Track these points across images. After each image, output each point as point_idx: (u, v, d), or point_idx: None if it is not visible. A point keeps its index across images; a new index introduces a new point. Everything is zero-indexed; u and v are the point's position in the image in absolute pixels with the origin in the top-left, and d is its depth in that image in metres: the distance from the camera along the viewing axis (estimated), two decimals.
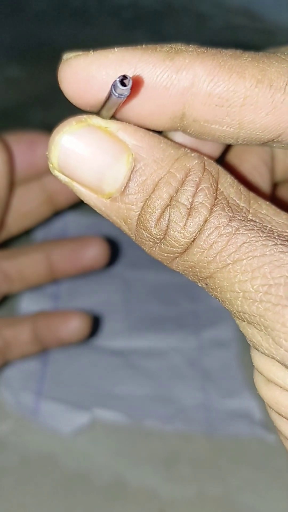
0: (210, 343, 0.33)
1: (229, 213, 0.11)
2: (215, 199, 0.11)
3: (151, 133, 0.12)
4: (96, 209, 0.12)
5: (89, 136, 0.11)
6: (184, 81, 0.11)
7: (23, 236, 0.41)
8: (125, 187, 0.12)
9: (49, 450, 0.29)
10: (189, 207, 0.11)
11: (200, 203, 0.11)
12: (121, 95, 0.11)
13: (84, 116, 0.12)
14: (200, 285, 0.13)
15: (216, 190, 0.12)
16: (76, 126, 0.12)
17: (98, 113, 0.12)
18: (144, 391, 0.31)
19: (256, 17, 0.73)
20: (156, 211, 0.11)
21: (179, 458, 0.29)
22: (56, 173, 0.12)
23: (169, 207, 0.11)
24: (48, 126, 0.60)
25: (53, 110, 0.56)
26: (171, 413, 0.30)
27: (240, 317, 0.12)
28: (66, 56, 0.13)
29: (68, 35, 0.69)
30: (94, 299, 0.36)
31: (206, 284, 0.12)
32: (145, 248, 0.12)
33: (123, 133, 0.12)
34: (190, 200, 0.11)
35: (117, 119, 0.12)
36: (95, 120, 0.12)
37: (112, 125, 0.12)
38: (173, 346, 0.33)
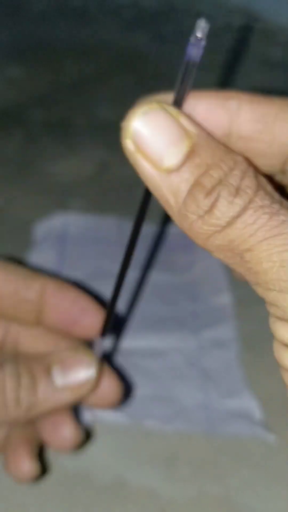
0: (210, 343, 0.33)
1: (270, 198, 0.13)
2: (258, 186, 0.14)
3: (208, 130, 0.14)
4: (149, 181, 0.14)
5: (161, 117, 0.14)
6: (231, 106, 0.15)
7: (24, 234, 0.41)
8: (183, 163, 0.13)
9: (49, 450, 0.29)
10: (237, 187, 0.13)
11: (247, 185, 0.13)
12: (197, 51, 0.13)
13: (161, 100, 0.15)
14: (230, 262, 0.14)
15: (258, 180, 0.14)
16: (153, 106, 0.14)
17: (174, 98, 0.15)
18: (144, 391, 0.31)
19: (256, 17, 0.73)
20: (208, 186, 0.13)
21: (179, 458, 0.29)
22: (127, 141, 0.15)
23: (219, 185, 0.13)
24: (48, 126, 0.60)
25: (53, 109, 0.56)
26: (171, 413, 0.30)
27: (272, 286, 0.14)
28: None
29: (68, 35, 0.69)
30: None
31: (241, 258, 0.14)
32: (187, 223, 0.14)
33: (188, 122, 0.14)
34: (238, 182, 0.13)
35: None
36: (169, 107, 0.14)
37: (181, 114, 0.14)
38: (173, 346, 0.33)
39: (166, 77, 0.68)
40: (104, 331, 0.20)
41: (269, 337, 0.38)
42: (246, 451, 0.29)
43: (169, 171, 0.14)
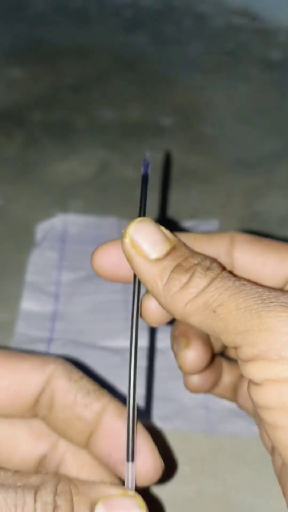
0: None
1: (233, 275, 0.18)
2: (224, 268, 0.19)
3: (181, 238, 0.20)
4: (141, 269, 0.18)
5: (150, 226, 0.19)
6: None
7: (24, 234, 0.41)
8: (166, 255, 0.18)
9: None
10: (208, 267, 0.18)
11: (215, 266, 0.18)
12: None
13: (148, 217, 0.20)
14: (203, 322, 0.17)
15: (222, 267, 0.18)
16: (144, 219, 0.19)
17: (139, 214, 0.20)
18: (144, 391, 0.31)
19: (256, 17, 0.73)
20: (186, 266, 0.18)
21: (179, 457, 0.29)
22: (126, 240, 0.19)
23: (194, 266, 0.18)
24: (48, 127, 0.60)
25: (54, 110, 0.56)
26: (171, 412, 0.30)
27: (241, 328, 0.17)
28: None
29: (68, 36, 0.69)
30: (94, 299, 0.36)
31: (214, 312, 0.17)
32: (169, 295, 0.18)
33: (168, 232, 0.19)
34: (209, 265, 0.18)
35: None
36: (153, 223, 0.20)
37: (163, 227, 0.19)
38: None
39: (165, 78, 0.68)
40: (131, 454, 0.19)
41: None
42: (246, 450, 0.29)
43: (157, 260, 0.18)
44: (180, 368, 0.22)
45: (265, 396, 0.16)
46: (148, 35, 0.70)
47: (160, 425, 0.29)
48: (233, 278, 0.17)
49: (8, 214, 0.43)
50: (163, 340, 0.34)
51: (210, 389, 0.26)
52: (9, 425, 0.21)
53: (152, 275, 0.18)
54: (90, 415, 0.20)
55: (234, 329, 0.16)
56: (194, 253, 0.19)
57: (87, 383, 0.21)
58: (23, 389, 0.20)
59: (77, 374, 0.21)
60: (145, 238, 0.18)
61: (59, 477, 0.18)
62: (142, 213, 0.20)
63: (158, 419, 0.29)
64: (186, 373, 0.22)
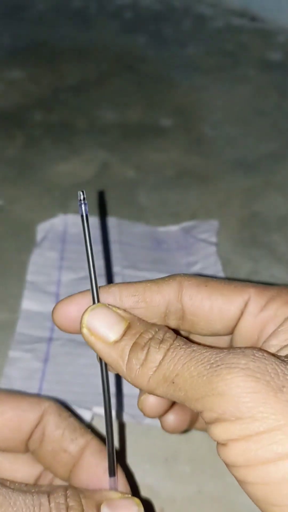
0: None
1: (184, 342, 0.19)
2: (176, 336, 0.19)
3: (131, 314, 0.20)
4: (103, 353, 0.19)
5: (103, 310, 0.20)
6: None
7: (25, 235, 0.42)
8: (123, 335, 0.19)
9: None
10: (161, 340, 0.19)
11: (168, 337, 0.19)
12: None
13: (100, 303, 0.20)
14: (169, 394, 0.18)
15: (174, 336, 0.19)
16: (97, 305, 0.20)
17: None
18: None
19: (255, 18, 0.74)
20: (142, 343, 0.19)
21: (178, 457, 0.29)
22: (83, 330, 0.20)
23: (149, 341, 0.19)
24: (48, 127, 0.60)
25: (54, 111, 0.56)
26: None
27: (199, 396, 0.18)
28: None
29: (68, 37, 0.70)
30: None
31: (173, 384, 0.18)
32: (132, 373, 0.19)
33: (122, 311, 0.20)
34: (162, 336, 0.19)
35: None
36: (108, 305, 0.20)
37: (117, 307, 0.20)
38: None
39: (165, 79, 0.69)
40: (112, 470, 0.22)
41: None
42: None
43: (115, 343, 0.19)
44: (141, 411, 0.22)
45: (230, 455, 0.17)
46: (147, 36, 0.70)
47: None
48: (184, 346, 0.18)
49: (9, 215, 0.43)
50: None
51: (190, 426, 0.25)
52: (11, 454, 0.24)
53: (114, 358, 0.19)
54: (75, 449, 0.23)
55: (192, 396, 0.17)
56: (148, 326, 0.20)
57: (74, 421, 0.23)
58: (22, 423, 0.22)
59: (66, 412, 0.24)
60: (100, 323, 0.19)
61: (66, 486, 0.21)
62: (94, 289, 0.20)
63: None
64: (148, 417, 0.23)
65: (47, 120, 0.54)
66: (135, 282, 0.21)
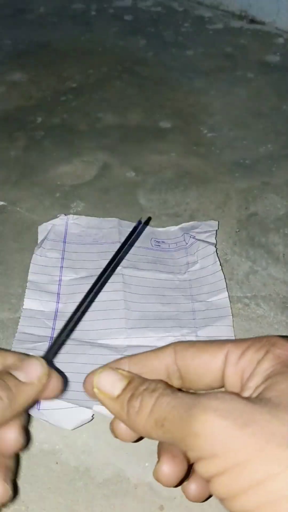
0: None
1: (172, 389, 0.21)
2: (166, 385, 0.22)
3: (133, 373, 0.24)
4: (110, 407, 0.23)
5: (109, 373, 0.23)
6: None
7: (27, 235, 0.42)
8: (124, 390, 0.22)
9: (51, 446, 0.30)
10: (153, 389, 0.22)
11: (159, 386, 0.22)
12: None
13: (105, 367, 0.24)
14: (162, 437, 0.21)
15: (167, 385, 0.22)
16: (104, 369, 0.24)
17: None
18: None
19: (254, 21, 0.74)
20: (137, 393, 0.22)
21: None
22: (95, 389, 0.23)
23: (143, 391, 0.22)
24: (50, 130, 0.61)
25: (55, 113, 0.57)
26: None
27: (184, 435, 0.20)
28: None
29: (69, 39, 0.70)
30: (94, 298, 0.36)
31: (163, 425, 0.20)
32: (131, 420, 0.21)
33: (124, 372, 0.24)
34: (154, 386, 0.22)
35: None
36: (113, 368, 0.24)
37: (120, 370, 0.24)
38: None
39: (165, 81, 0.69)
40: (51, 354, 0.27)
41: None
42: None
43: (118, 397, 0.22)
44: (158, 481, 0.24)
45: (215, 490, 0.19)
46: (147, 38, 0.70)
47: None
48: (172, 394, 0.21)
49: (11, 215, 0.44)
50: (163, 339, 0.34)
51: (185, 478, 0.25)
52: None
53: (117, 410, 0.22)
54: None
55: (178, 437, 0.20)
56: (143, 381, 0.23)
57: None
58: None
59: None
60: (106, 383, 0.23)
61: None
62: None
63: None
64: (164, 486, 0.24)
65: (48, 122, 0.55)
66: (139, 353, 0.25)
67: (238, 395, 0.20)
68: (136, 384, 0.22)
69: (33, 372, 0.24)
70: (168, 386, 0.22)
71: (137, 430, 0.22)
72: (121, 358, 0.25)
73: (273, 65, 0.65)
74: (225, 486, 0.18)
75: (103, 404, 0.23)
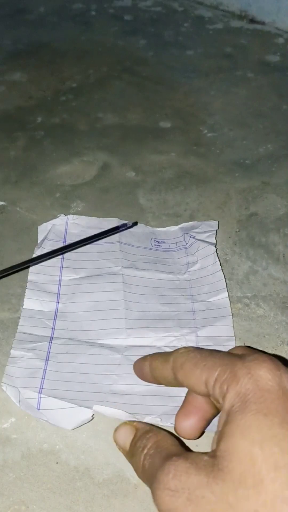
0: (208, 341, 0.34)
1: (154, 450, 0.25)
2: (148, 447, 0.25)
3: (140, 423, 0.27)
4: (125, 455, 0.26)
5: (124, 428, 0.27)
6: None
7: (27, 235, 0.42)
8: (133, 442, 0.26)
9: (51, 446, 0.30)
10: (148, 429, 0.26)
11: (153, 428, 0.26)
12: None
13: (123, 422, 0.28)
14: (149, 482, 0.23)
15: (162, 443, 0.25)
16: (121, 425, 0.27)
17: None
18: (143, 389, 0.31)
19: (254, 20, 0.74)
20: (134, 451, 0.25)
21: None
22: (116, 444, 0.27)
23: (137, 450, 0.25)
24: (49, 129, 0.61)
25: (55, 113, 0.57)
26: (170, 409, 0.30)
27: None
28: None
29: (69, 39, 0.70)
30: (94, 298, 0.36)
31: (152, 475, 0.23)
32: (139, 464, 0.24)
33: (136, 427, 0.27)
34: (147, 429, 0.26)
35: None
36: (124, 424, 0.27)
37: (134, 425, 0.27)
38: (172, 344, 0.34)
39: (165, 81, 0.69)
40: None
41: (266, 336, 0.39)
42: None
43: (130, 449, 0.26)
44: (178, 435, 0.28)
45: None
46: (147, 38, 0.70)
47: (160, 423, 0.30)
48: (152, 452, 0.24)
49: (11, 215, 0.44)
50: (163, 339, 0.34)
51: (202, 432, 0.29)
52: None
53: (129, 459, 0.26)
54: None
55: (146, 482, 0.23)
56: (141, 436, 0.26)
57: None
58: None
59: None
60: (121, 438, 0.26)
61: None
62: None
63: (157, 416, 0.30)
64: (184, 438, 0.28)
65: (48, 122, 0.55)
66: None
67: (189, 466, 0.22)
68: (136, 439, 0.26)
69: None
70: (158, 444, 0.24)
71: (144, 480, 0.24)
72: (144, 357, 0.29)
73: (273, 65, 0.65)
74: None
75: (121, 452, 0.27)
